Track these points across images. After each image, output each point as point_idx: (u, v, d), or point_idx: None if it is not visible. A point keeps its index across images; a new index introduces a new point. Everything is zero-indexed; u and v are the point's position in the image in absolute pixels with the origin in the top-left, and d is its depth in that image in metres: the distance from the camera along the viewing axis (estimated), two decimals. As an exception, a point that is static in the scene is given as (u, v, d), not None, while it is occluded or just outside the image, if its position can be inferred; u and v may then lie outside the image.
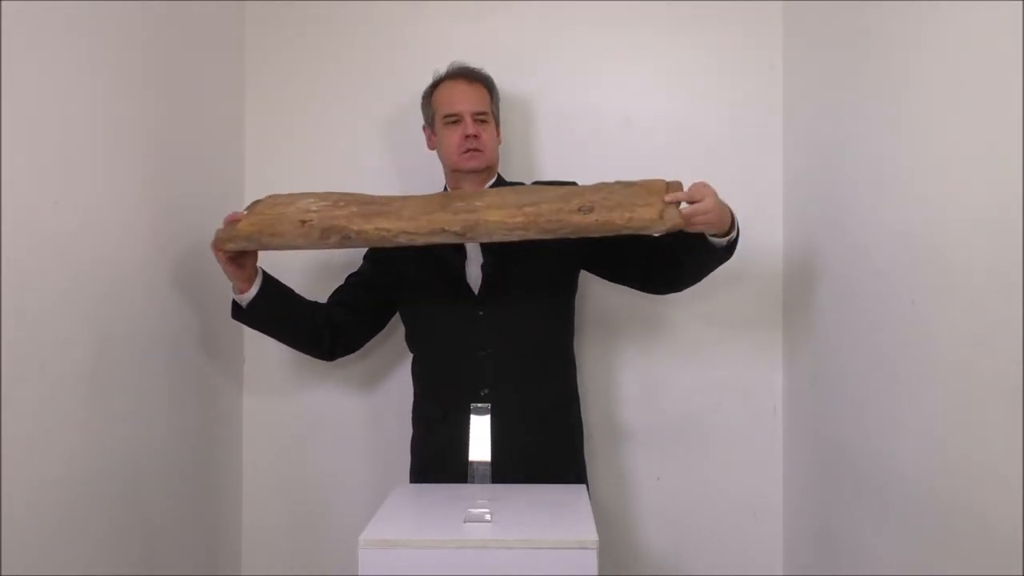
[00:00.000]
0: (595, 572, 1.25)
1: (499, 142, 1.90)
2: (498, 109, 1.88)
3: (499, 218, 1.52)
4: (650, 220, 1.49)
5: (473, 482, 1.62)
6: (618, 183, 1.61)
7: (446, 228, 1.54)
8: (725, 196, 2.08)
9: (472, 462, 1.63)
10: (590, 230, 1.51)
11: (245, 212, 1.68)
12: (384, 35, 2.15)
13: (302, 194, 1.69)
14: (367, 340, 1.96)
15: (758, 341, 2.12)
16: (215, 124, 2.02)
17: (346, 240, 1.58)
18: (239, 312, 1.78)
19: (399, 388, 1.96)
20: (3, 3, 1.25)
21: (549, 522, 1.39)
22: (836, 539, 1.76)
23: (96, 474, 1.50)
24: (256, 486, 2.16)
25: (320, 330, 1.84)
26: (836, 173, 1.77)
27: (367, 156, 2.13)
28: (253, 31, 2.16)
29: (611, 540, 2.10)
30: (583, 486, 1.64)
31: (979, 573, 1.20)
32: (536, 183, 1.84)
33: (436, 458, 1.78)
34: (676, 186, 1.58)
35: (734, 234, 1.63)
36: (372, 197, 1.67)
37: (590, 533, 1.29)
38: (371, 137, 2.15)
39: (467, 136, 1.78)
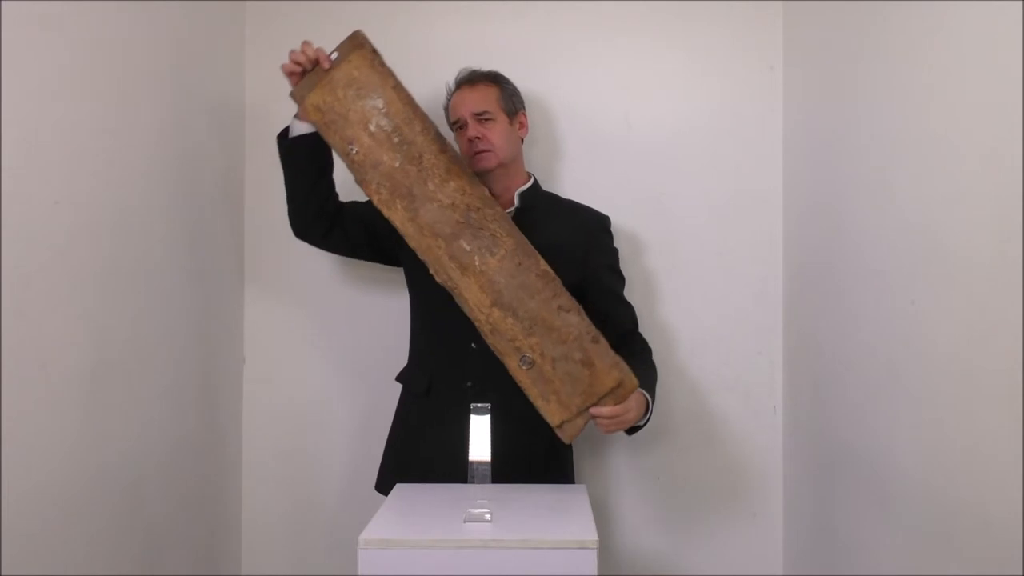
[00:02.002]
0: (595, 572, 1.25)
1: (521, 134, 1.89)
2: (512, 102, 1.86)
3: (473, 301, 1.62)
4: (550, 422, 1.63)
5: (473, 482, 1.62)
6: (592, 345, 1.60)
7: (434, 271, 1.63)
8: (725, 196, 2.11)
9: (472, 462, 1.64)
10: (517, 382, 1.63)
11: (335, 55, 1.65)
12: (384, 36, 2.14)
13: (385, 81, 1.64)
14: (363, 257, 1.93)
15: (758, 341, 2.12)
16: (216, 125, 2.02)
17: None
18: (284, 138, 1.75)
19: (400, 389, 1.95)
20: (3, 3, 1.25)
21: (549, 522, 1.39)
22: (836, 539, 1.76)
23: (96, 474, 1.50)
24: (256, 486, 2.16)
25: (328, 214, 1.80)
26: (836, 173, 1.77)
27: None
28: (253, 31, 2.16)
29: (611, 540, 2.11)
30: (583, 486, 1.64)
31: (979, 573, 1.20)
32: (570, 203, 1.91)
33: (412, 434, 1.81)
34: (629, 387, 1.61)
35: (642, 422, 1.70)
36: (423, 147, 1.63)
37: (590, 533, 1.29)
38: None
39: (470, 139, 1.79)
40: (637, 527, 2.13)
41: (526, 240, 1.64)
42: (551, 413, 1.62)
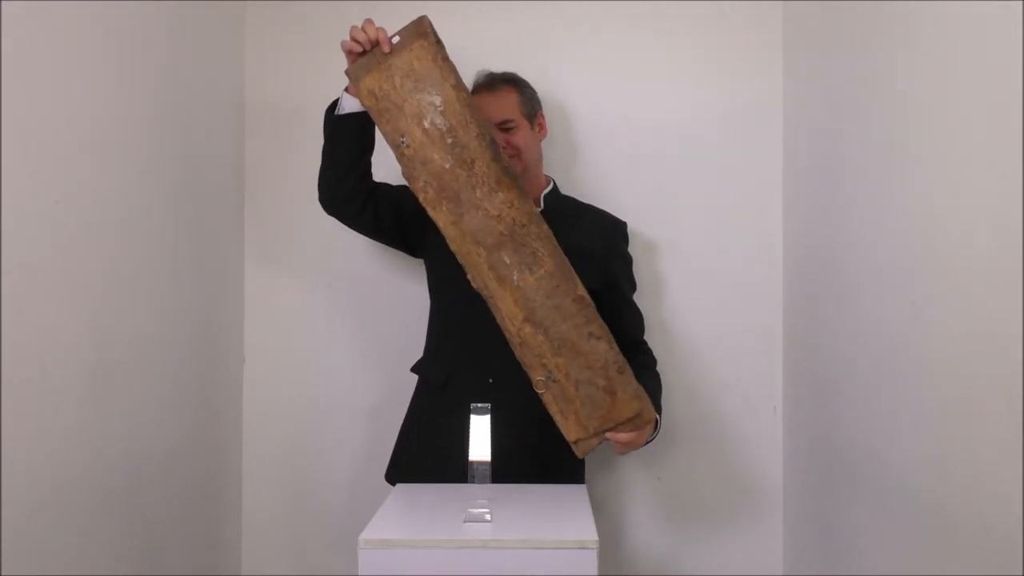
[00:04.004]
0: (595, 572, 1.25)
1: (542, 135, 1.89)
2: (532, 105, 1.86)
3: (506, 312, 1.60)
4: (566, 437, 1.64)
5: (473, 482, 1.62)
6: (617, 375, 1.60)
7: (471, 276, 1.61)
8: (725, 196, 2.11)
9: (472, 462, 1.64)
10: (539, 395, 1.64)
11: (397, 39, 1.58)
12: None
13: (445, 78, 1.56)
14: (386, 241, 1.91)
15: (758, 341, 2.12)
16: (216, 124, 2.02)
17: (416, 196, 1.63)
18: (331, 111, 1.71)
19: (401, 389, 1.95)
20: (3, 3, 1.25)
21: (549, 522, 1.39)
22: (836, 539, 1.76)
23: (96, 474, 1.50)
24: (256, 486, 2.16)
25: (364, 192, 1.76)
26: (836, 173, 1.77)
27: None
28: (253, 31, 2.16)
29: (611, 540, 2.11)
30: (583, 486, 1.64)
31: (979, 573, 1.20)
32: (588, 207, 1.92)
33: (428, 426, 1.80)
34: (647, 418, 1.63)
35: (650, 439, 1.72)
36: (476, 152, 1.57)
37: (590, 533, 1.29)
38: (371, 137, 2.15)
39: None
40: (637, 527, 2.14)
41: (567, 262, 1.61)
42: (568, 429, 1.63)
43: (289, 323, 2.16)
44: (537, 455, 1.72)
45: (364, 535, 1.28)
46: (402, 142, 1.58)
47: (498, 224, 1.59)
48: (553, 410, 1.63)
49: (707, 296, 2.11)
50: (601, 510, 2.02)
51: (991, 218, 1.17)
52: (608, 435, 1.62)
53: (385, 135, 1.61)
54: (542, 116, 1.89)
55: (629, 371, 1.62)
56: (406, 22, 2.12)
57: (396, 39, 1.58)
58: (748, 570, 2.12)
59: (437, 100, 1.57)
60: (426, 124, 1.57)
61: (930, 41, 1.36)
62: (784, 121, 2.10)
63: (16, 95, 1.28)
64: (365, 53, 1.60)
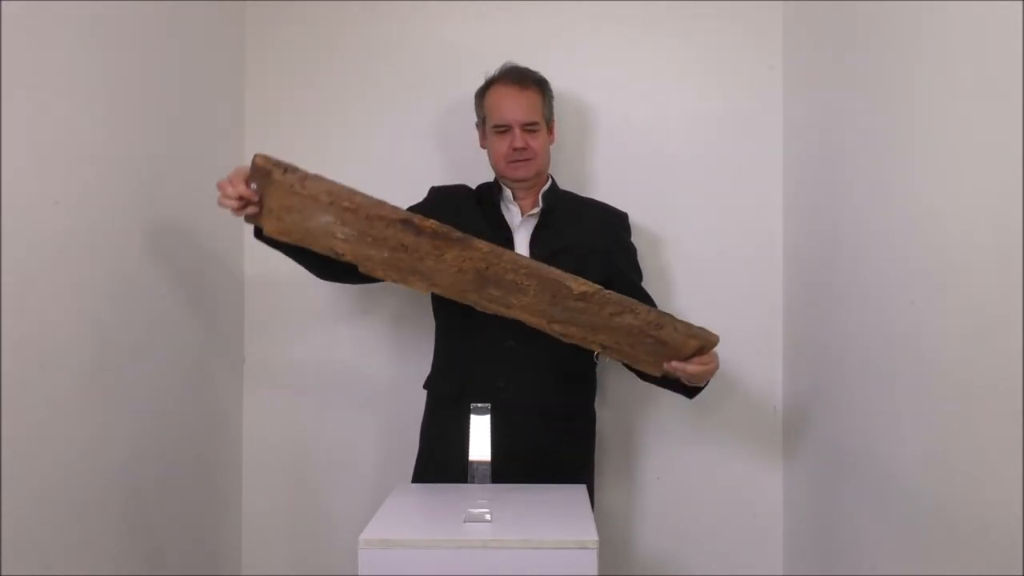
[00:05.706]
0: (595, 572, 1.25)
1: (552, 141, 1.88)
2: (550, 109, 1.85)
3: (532, 322, 1.60)
4: (654, 375, 1.67)
5: (473, 482, 1.62)
6: (657, 332, 1.58)
7: (482, 309, 1.60)
8: (725, 196, 2.11)
9: (472, 462, 1.64)
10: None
11: (254, 187, 1.48)
12: (384, 35, 2.15)
13: (317, 200, 1.46)
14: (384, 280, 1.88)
15: (758, 341, 2.12)
16: (214, 124, 2.02)
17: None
18: (261, 232, 1.62)
19: (400, 389, 1.96)
20: (3, 3, 1.25)
21: (549, 522, 1.39)
22: (836, 539, 1.76)
23: (96, 474, 1.50)
24: (256, 486, 2.16)
25: (336, 263, 1.68)
26: (836, 173, 1.77)
27: (367, 158, 2.13)
28: (253, 31, 2.16)
29: (611, 540, 2.11)
30: (583, 486, 1.64)
31: (979, 573, 1.20)
32: (589, 201, 1.92)
33: (446, 434, 1.77)
34: (709, 346, 1.61)
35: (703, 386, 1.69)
36: (399, 237, 1.50)
37: (590, 533, 1.29)
38: (371, 139, 2.15)
39: (515, 148, 1.77)
40: (637, 527, 2.14)
41: (548, 272, 1.56)
42: (648, 371, 1.66)
43: (289, 323, 2.16)
44: (553, 452, 1.72)
45: (364, 535, 1.28)
46: (336, 254, 1.54)
47: (464, 275, 1.56)
48: (625, 363, 1.67)
49: (707, 296, 2.11)
50: (601, 510, 2.02)
51: (991, 218, 1.17)
52: (676, 366, 1.60)
53: (322, 252, 1.55)
54: (554, 122, 1.88)
55: (668, 319, 1.58)
56: (406, 21, 2.14)
57: (253, 186, 1.49)
58: (748, 570, 2.12)
59: (329, 219, 1.49)
60: (340, 236, 1.51)
61: (930, 41, 1.36)
62: (784, 121, 2.10)
63: (16, 95, 1.28)
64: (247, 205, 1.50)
